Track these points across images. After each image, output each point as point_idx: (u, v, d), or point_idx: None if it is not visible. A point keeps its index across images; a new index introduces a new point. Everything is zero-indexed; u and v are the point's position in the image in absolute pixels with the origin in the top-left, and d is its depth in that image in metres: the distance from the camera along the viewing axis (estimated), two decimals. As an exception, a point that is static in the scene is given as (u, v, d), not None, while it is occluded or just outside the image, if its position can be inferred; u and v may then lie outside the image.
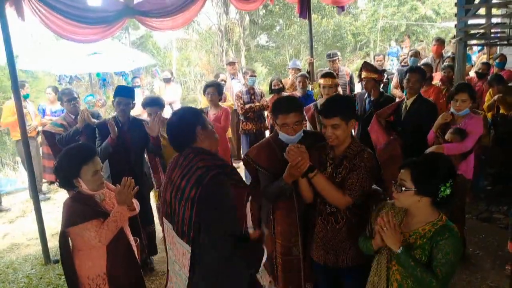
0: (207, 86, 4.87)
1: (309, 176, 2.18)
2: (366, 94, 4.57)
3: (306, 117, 4.69)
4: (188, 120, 1.97)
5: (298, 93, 5.61)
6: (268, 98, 5.80)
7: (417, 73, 3.89)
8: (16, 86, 3.97)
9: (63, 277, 3.99)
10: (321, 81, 4.45)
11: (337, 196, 2.21)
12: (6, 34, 3.85)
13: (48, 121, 6.19)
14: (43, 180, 6.36)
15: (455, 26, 4.93)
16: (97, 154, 2.43)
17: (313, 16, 18.61)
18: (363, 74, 4.46)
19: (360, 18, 18.85)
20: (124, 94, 3.71)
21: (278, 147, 2.48)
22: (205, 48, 20.18)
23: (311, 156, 2.29)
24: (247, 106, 5.62)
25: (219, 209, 1.73)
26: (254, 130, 5.72)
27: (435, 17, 15.82)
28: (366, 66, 4.54)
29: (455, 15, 4.91)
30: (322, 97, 4.56)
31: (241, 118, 5.76)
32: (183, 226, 1.80)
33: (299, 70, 6.96)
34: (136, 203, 2.63)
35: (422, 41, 14.47)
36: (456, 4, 4.81)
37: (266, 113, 5.78)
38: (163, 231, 2.08)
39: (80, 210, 2.33)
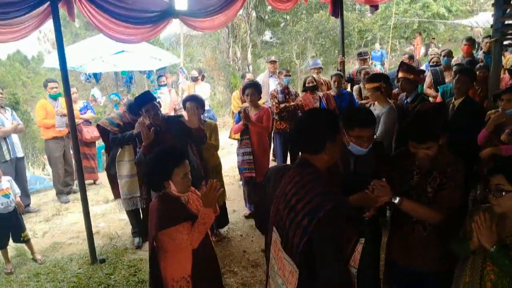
0: (246, 86, 4.85)
1: (394, 204, 2.15)
2: (405, 96, 4.56)
3: None
4: (322, 131, 1.78)
5: (332, 92, 5.65)
6: (300, 96, 5.80)
7: (466, 75, 3.94)
8: (68, 91, 3.98)
9: (112, 276, 4.05)
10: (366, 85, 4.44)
11: (428, 214, 2.20)
12: (59, 33, 3.86)
13: (79, 119, 6.24)
14: (75, 179, 6.38)
15: (491, 26, 4.95)
16: (187, 157, 2.45)
17: (321, 12, 18.68)
18: (400, 74, 4.44)
19: (366, 15, 18.88)
20: (145, 101, 3.74)
21: (341, 158, 2.38)
22: (211, 44, 20.12)
23: (394, 167, 2.29)
24: (282, 105, 5.63)
25: (329, 243, 1.66)
26: (288, 129, 5.73)
27: (448, 14, 15.84)
28: (403, 66, 4.51)
29: (492, 15, 4.93)
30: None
31: (275, 117, 5.76)
32: (292, 247, 1.74)
33: (321, 69, 6.99)
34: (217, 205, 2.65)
35: (434, 38, 14.54)
36: (493, 5, 4.83)
37: (299, 112, 5.79)
38: (268, 237, 1.98)
39: (172, 213, 2.34)
